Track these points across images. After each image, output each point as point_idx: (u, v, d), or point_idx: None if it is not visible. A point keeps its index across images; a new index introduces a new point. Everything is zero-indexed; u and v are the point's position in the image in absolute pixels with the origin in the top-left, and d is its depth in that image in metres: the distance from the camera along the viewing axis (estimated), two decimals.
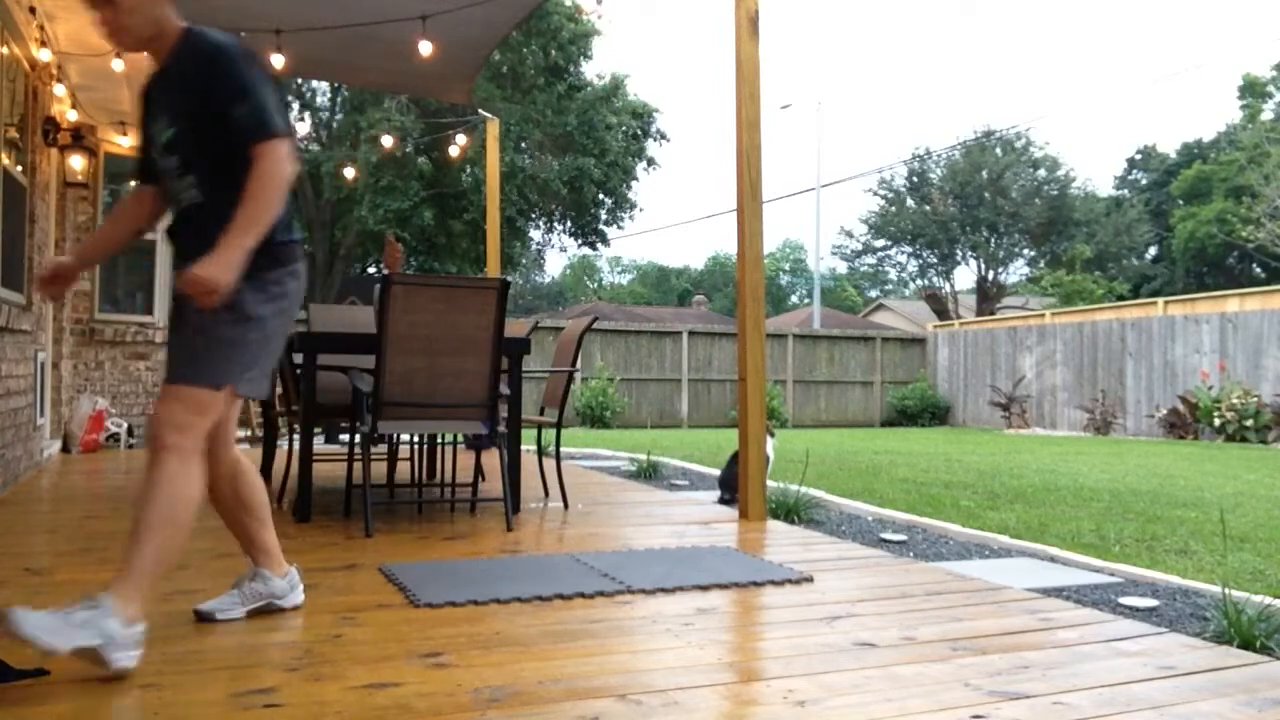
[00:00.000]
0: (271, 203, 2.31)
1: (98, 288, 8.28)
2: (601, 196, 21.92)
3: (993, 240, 32.07)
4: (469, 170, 20.18)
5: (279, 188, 2.33)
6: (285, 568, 2.74)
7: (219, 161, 2.38)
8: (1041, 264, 32.49)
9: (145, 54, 2.47)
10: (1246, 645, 2.63)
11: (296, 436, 4.76)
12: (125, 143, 8.13)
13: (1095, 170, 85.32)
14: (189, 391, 2.31)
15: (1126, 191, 37.73)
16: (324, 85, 22.01)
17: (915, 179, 33.25)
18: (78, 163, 7.44)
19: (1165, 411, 14.28)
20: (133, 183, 2.65)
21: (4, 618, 2.01)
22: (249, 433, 9.66)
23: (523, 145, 20.42)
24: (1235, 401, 13.02)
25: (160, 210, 2.64)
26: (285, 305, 2.47)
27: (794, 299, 58.49)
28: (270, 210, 2.31)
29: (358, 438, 4.45)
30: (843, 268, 46.85)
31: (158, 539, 2.21)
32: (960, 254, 32.91)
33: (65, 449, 7.73)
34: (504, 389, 4.51)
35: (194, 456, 2.30)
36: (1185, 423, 13.85)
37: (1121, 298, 28.20)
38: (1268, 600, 2.88)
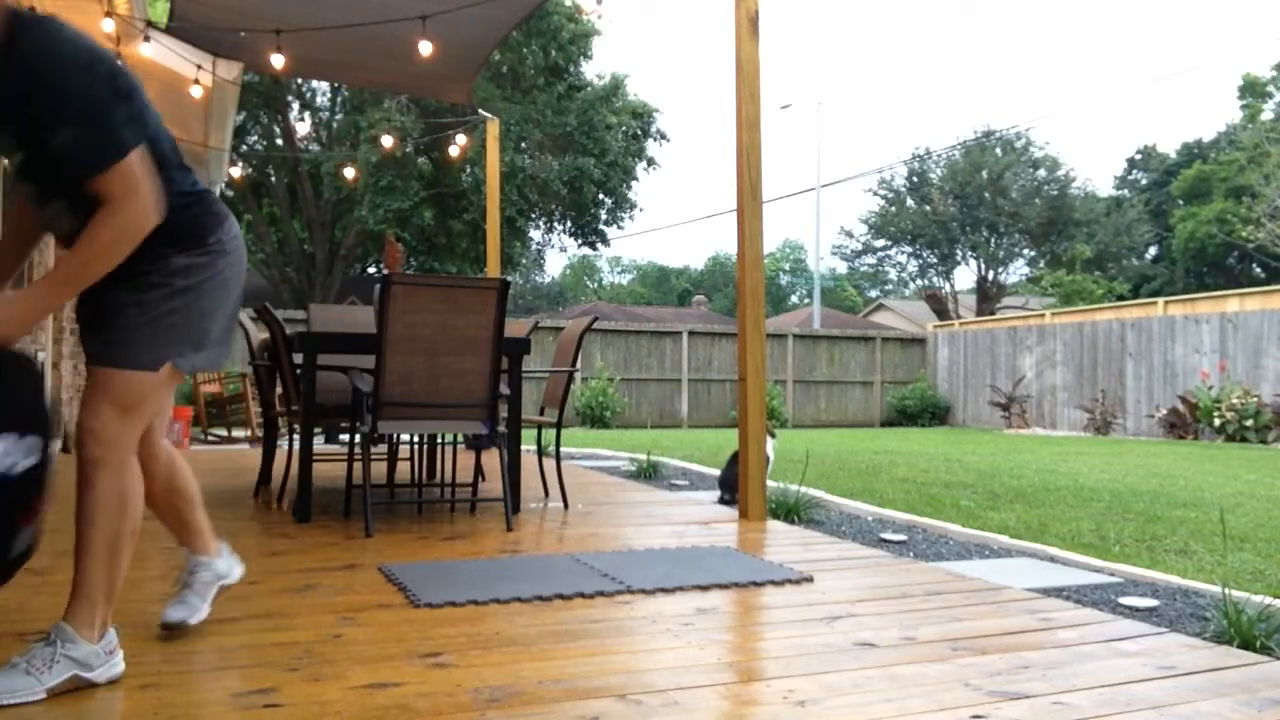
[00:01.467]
0: (107, 256, 1.96)
1: None
2: (601, 196, 21.92)
3: (993, 240, 32.08)
4: (469, 170, 20.18)
5: (122, 239, 1.97)
6: (216, 543, 2.58)
7: (73, 189, 1.99)
8: (1041, 264, 32.50)
9: None
10: (1246, 645, 2.63)
11: (296, 436, 4.76)
12: None
13: (1095, 170, 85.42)
14: (120, 377, 2.08)
15: (1126, 191, 37.74)
16: (324, 85, 22.01)
17: (915, 179, 33.25)
18: None
19: (1165, 411, 14.28)
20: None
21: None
22: (249, 433, 9.66)
23: (523, 145, 20.42)
24: (1235, 401, 13.02)
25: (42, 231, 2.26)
26: (208, 280, 2.19)
27: (794, 299, 58.50)
28: (105, 264, 1.97)
29: (358, 438, 4.45)
30: (843, 268, 46.90)
31: (106, 558, 2.07)
32: (960, 254, 32.91)
33: (65, 449, 7.72)
34: (504, 389, 4.51)
35: (129, 461, 2.10)
36: (1185, 423, 13.85)
37: (1121, 298, 28.22)
38: (1268, 600, 2.88)
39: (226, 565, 2.61)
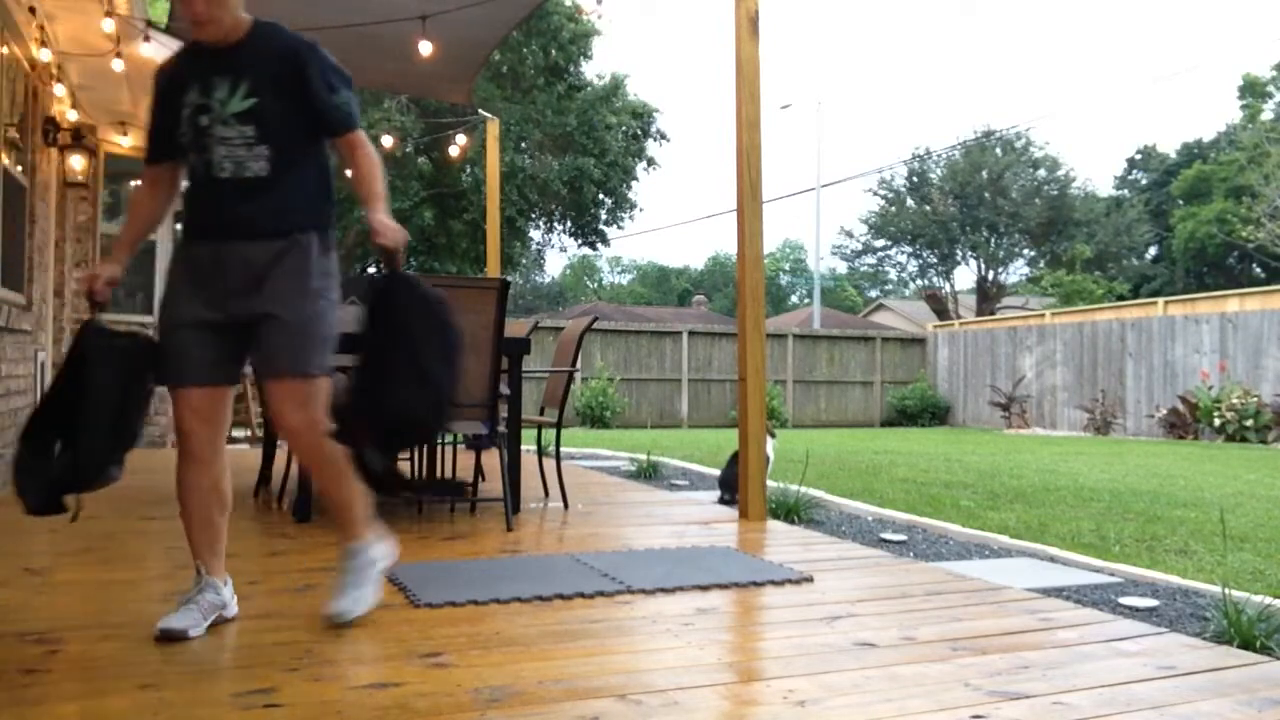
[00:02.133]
0: (381, 181, 2.62)
1: None
2: (601, 196, 21.90)
3: (993, 240, 32.07)
4: (469, 170, 20.17)
5: (380, 170, 2.63)
6: (224, 573, 2.64)
7: (295, 137, 2.55)
8: (1041, 264, 32.49)
9: (203, 30, 2.49)
10: (1246, 645, 2.63)
11: None
12: (125, 142, 8.13)
13: (1095, 170, 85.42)
14: (316, 383, 2.55)
15: (1126, 191, 37.72)
16: None
17: (915, 179, 33.23)
18: (78, 163, 7.44)
19: (1165, 411, 14.28)
20: (146, 167, 2.68)
21: (331, 618, 2.54)
22: (249, 433, 9.66)
23: (523, 145, 20.42)
24: (1235, 401, 13.02)
25: (177, 186, 2.71)
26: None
27: (794, 299, 58.49)
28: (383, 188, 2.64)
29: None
30: (843, 268, 46.87)
31: (357, 501, 2.65)
32: (960, 254, 32.89)
33: None
34: (504, 389, 4.51)
35: (324, 435, 2.55)
36: (1185, 423, 13.85)
37: (1121, 298, 28.21)
38: (1268, 600, 2.88)
39: (229, 596, 2.63)
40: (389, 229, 2.52)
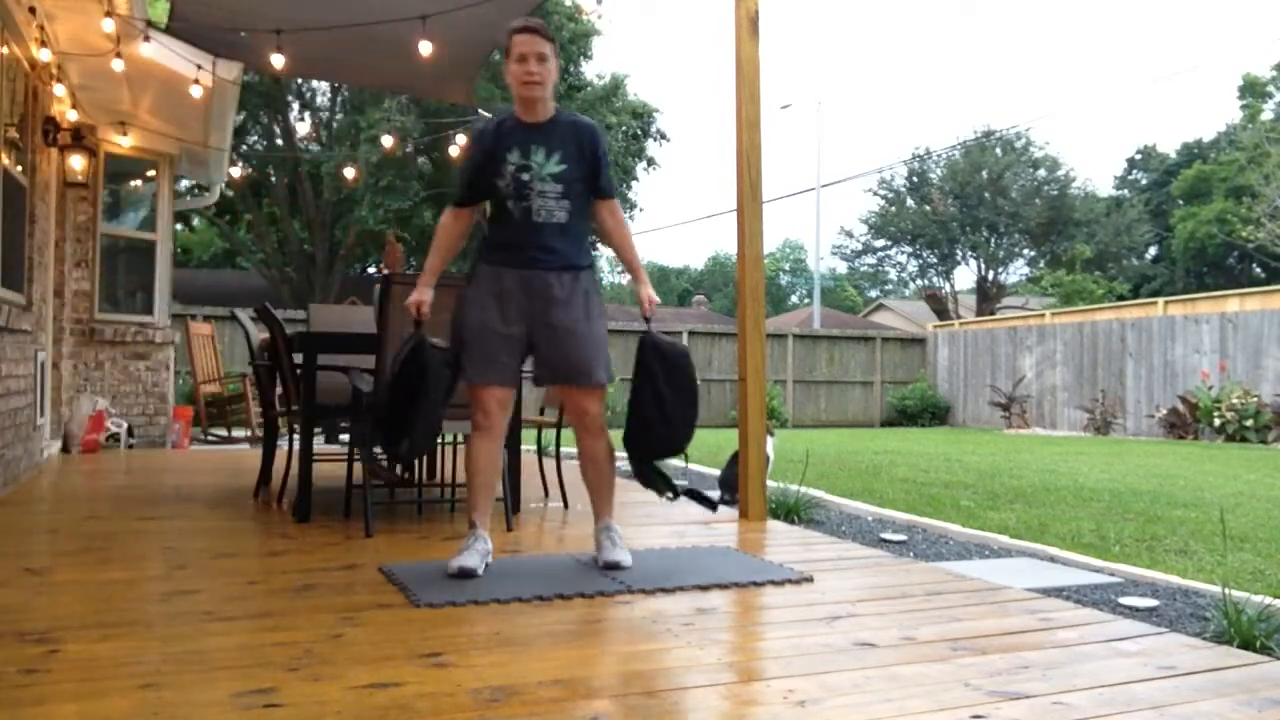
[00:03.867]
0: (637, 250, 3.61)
1: (98, 288, 8.28)
2: None
3: (993, 240, 32.06)
4: None
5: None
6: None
7: (584, 196, 3.38)
8: (1041, 264, 32.48)
9: (530, 110, 3.33)
10: (1246, 645, 2.63)
11: (296, 436, 4.76)
12: (125, 142, 8.13)
13: (1095, 170, 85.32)
14: (602, 391, 3.45)
15: (1126, 191, 37.72)
16: (324, 85, 22.00)
17: (915, 179, 33.22)
18: (78, 163, 7.44)
19: (1165, 411, 14.28)
20: (455, 206, 3.49)
21: (617, 564, 3.29)
22: (249, 433, 9.66)
23: None
24: (1235, 401, 13.02)
25: (473, 222, 3.52)
26: None
27: (794, 299, 58.50)
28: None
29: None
30: (843, 268, 46.85)
31: (613, 485, 3.46)
32: (960, 254, 32.89)
33: (65, 449, 7.73)
34: None
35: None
36: (1185, 423, 13.85)
37: (1121, 298, 28.21)
38: (1268, 600, 2.88)
39: (491, 546, 3.33)
40: (653, 302, 3.50)
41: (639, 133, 22.09)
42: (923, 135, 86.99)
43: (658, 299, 3.48)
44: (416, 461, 5.25)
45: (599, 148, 3.41)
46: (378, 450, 3.38)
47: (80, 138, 7.35)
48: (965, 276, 35.35)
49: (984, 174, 31.21)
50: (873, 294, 48.39)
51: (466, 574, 3.11)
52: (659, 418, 3.37)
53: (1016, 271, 33.82)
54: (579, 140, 3.36)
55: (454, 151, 12.71)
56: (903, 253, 35.14)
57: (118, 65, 6.13)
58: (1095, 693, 2.15)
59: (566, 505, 4.96)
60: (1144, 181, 38.12)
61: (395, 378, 3.26)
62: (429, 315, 3.34)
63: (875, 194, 33.81)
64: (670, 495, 3.54)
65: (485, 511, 3.32)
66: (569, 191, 3.31)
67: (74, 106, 7.05)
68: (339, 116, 22.16)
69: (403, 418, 3.24)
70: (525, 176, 3.27)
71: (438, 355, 3.26)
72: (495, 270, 3.31)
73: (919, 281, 36.45)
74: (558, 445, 5.11)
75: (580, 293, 3.34)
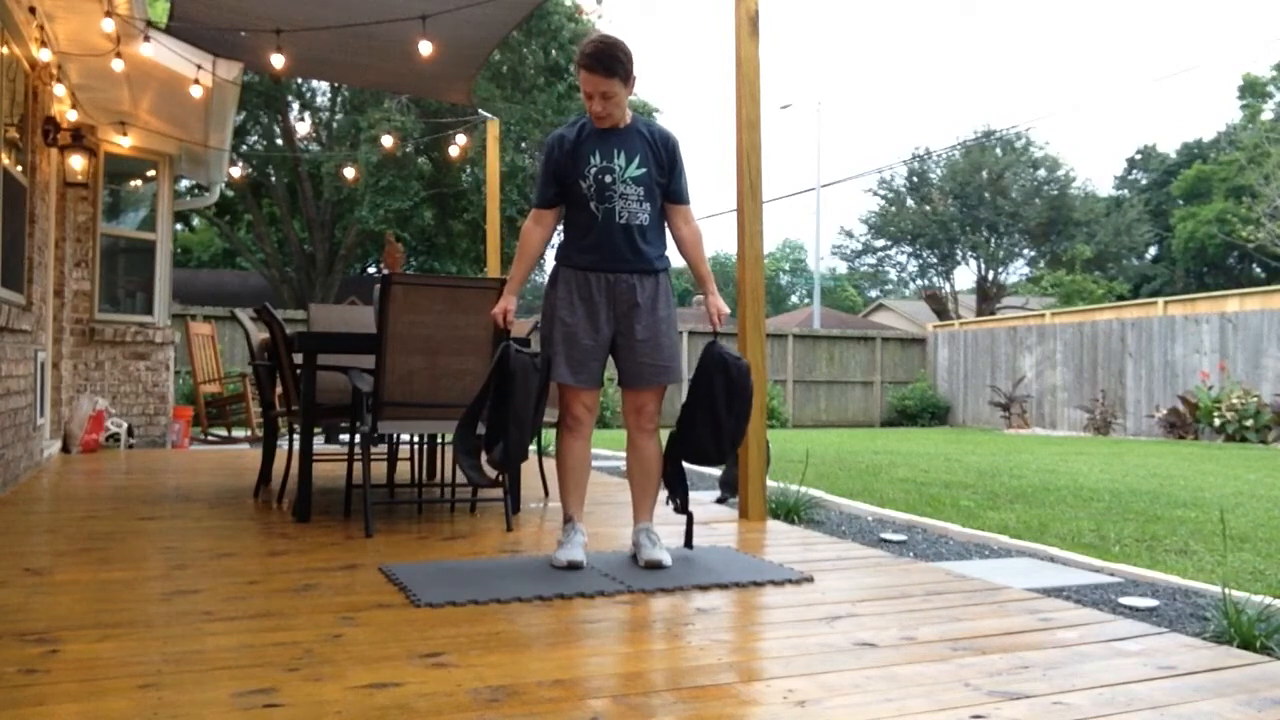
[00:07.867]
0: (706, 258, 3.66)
1: (98, 288, 8.28)
2: None
3: (993, 240, 32.06)
4: (469, 170, 20.17)
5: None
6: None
7: (660, 201, 3.49)
8: (1041, 264, 32.48)
9: (602, 123, 3.39)
10: (1246, 645, 2.63)
11: (296, 436, 4.76)
12: (125, 142, 8.13)
13: (1095, 170, 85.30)
14: (665, 390, 3.53)
15: (1126, 191, 37.71)
16: (324, 85, 22.00)
17: (915, 179, 33.21)
18: (78, 163, 7.44)
19: (1165, 411, 14.28)
20: (537, 210, 3.51)
21: (659, 563, 3.37)
22: (249, 433, 9.66)
23: (523, 145, 20.41)
24: (1235, 401, 13.02)
25: (556, 225, 3.57)
26: None
27: (794, 299, 58.47)
28: None
29: (358, 438, 4.45)
30: (843, 268, 46.84)
31: (658, 488, 3.56)
32: (960, 254, 32.88)
33: (65, 449, 7.73)
34: None
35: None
36: (1185, 423, 13.85)
37: (1121, 298, 28.22)
38: (1268, 600, 2.88)
39: (586, 537, 3.48)
40: (723, 314, 3.51)
41: None
42: (922, 135, 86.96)
43: (727, 309, 3.53)
44: (417, 462, 5.26)
45: (676, 152, 3.50)
46: (482, 458, 3.37)
47: (80, 138, 7.35)
48: (965, 276, 35.41)
49: (984, 174, 31.20)
50: (873, 294, 48.38)
51: (575, 567, 3.29)
52: (711, 440, 3.50)
53: (1016, 271, 33.84)
54: (656, 146, 3.46)
55: (454, 151, 12.73)
56: (903, 253, 35.15)
57: (118, 65, 6.13)
58: (1095, 693, 2.15)
59: None
60: (1144, 181, 38.11)
61: (486, 386, 3.34)
62: (512, 323, 3.48)
63: (875, 194, 33.83)
64: (677, 507, 3.61)
65: (579, 506, 3.48)
66: (649, 195, 3.42)
67: (74, 106, 7.05)
68: (339, 116, 22.16)
69: (499, 423, 3.32)
70: (608, 179, 3.36)
71: (527, 360, 3.34)
72: (580, 274, 3.41)
73: (919, 281, 36.45)
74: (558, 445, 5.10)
75: (661, 295, 3.48)
